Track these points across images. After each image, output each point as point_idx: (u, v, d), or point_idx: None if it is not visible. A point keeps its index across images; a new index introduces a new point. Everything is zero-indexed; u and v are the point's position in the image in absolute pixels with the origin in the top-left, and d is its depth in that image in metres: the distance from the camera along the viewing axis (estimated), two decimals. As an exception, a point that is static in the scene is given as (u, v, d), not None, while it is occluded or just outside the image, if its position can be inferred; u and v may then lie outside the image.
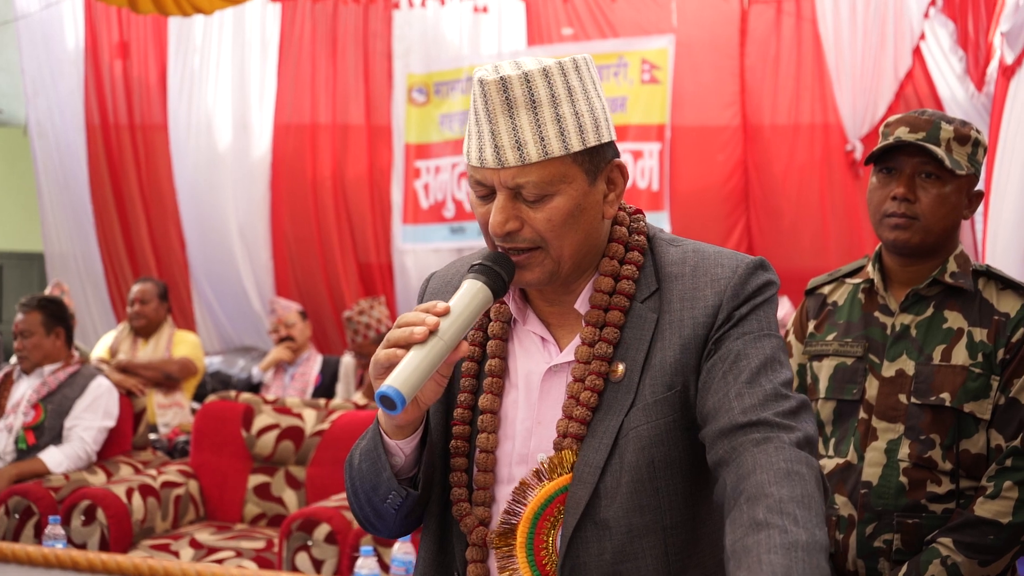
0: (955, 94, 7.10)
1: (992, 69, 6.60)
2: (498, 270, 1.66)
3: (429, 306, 1.62)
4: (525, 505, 1.69)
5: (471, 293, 1.64)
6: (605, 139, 1.68)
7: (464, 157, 1.71)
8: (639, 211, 1.83)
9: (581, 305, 1.73)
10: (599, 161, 1.69)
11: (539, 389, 1.74)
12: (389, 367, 1.57)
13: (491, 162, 1.64)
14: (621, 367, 1.69)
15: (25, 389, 5.42)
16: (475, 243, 1.91)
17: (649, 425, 1.65)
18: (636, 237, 1.77)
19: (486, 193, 1.68)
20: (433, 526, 1.79)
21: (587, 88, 1.67)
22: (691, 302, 1.69)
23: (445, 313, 1.61)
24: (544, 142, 1.62)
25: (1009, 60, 5.90)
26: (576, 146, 1.64)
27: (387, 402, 1.53)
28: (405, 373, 1.55)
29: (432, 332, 1.59)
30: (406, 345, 1.58)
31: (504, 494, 1.73)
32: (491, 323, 1.80)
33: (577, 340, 1.72)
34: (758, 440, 1.55)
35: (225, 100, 9.14)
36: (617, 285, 1.73)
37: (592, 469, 1.65)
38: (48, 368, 5.43)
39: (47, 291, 7.18)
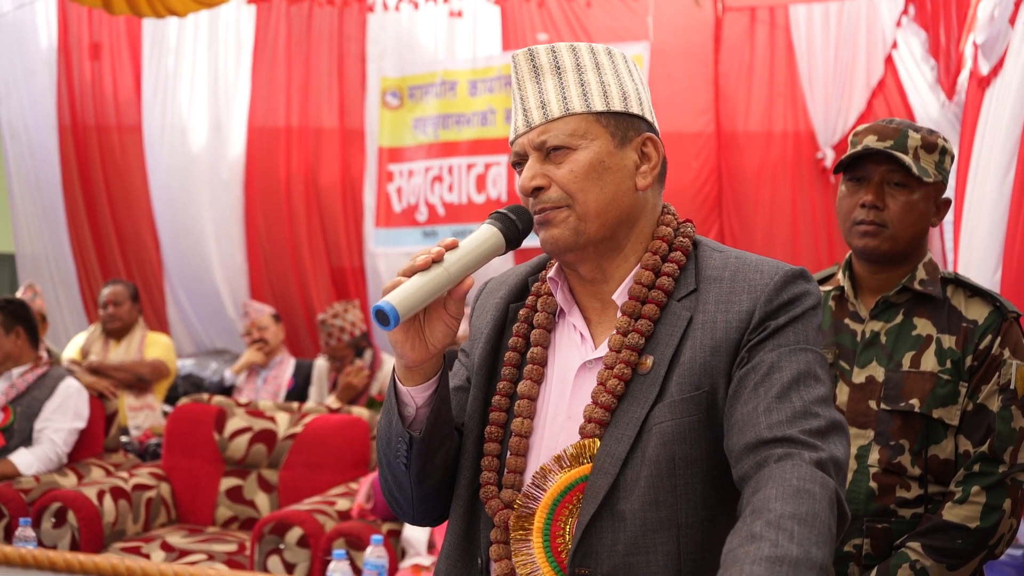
0: (926, 103, 7.15)
1: (963, 78, 6.65)
2: (513, 218, 1.71)
3: (440, 241, 1.67)
4: (545, 491, 1.71)
5: (483, 236, 1.69)
6: (634, 110, 1.77)
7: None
8: (689, 220, 1.87)
9: (619, 296, 1.76)
10: (626, 128, 1.76)
11: (572, 384, 1.76)
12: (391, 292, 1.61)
13: (521, 127, 1.75)
14: (650, 360, 1.70)
15: (-6, 391, 5.39)
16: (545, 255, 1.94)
17: (674, 422, 1.66)
18: (681, 239, 1.81)
19: (521, 163, 1.77)
20: (460, 510, 1.81)
21: (618, 68, 1.77)
22: (726, 305, 1.71)
23: (453, 247, 1.65)
24: (567, 100, 1.73)
25: (984, 71, 5.94)
26: (598, 106, 1.74)
27: (381, 317, 1.57)
28: (403, 293, 1.59)
29: (437, 262, 1.62)
30: (411, 274, 1.62)
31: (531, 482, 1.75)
32: (537, 313, 1.83)
33: (612, 333, 1.74)
34: (779, 456, 1.54)
35: (200, 102, 9.11)
36: (657, 280, 1.75)
37: (614, 460, 1.67)
38: (17, 370, 5.40)
39: (19, 293, 7.14)
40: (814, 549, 1.40)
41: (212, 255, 9.16)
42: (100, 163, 9.33)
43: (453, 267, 1.63)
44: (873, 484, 2.55)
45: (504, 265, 6.03)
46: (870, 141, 2.61)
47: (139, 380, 6.91)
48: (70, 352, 7.27)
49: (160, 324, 9.21)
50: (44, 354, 5.59)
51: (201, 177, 9.10)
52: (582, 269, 1.79)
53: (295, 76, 8.98)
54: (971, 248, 5.70)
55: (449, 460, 1.81)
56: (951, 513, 2.48)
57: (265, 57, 9.00)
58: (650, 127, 1.81)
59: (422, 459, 1.75)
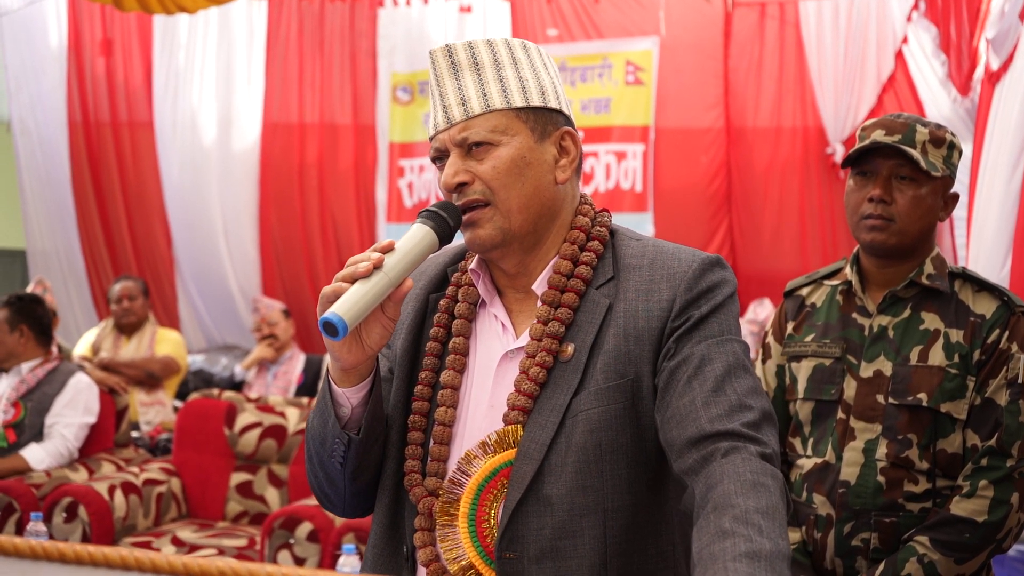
0: (937, 98, 7.13)
1: (977, 75, 6.63)
2: (444, 215, 1.72)
3: (376, 245, 1.67)
4: (470, 477, 1.73)
5: (418, 235, 1.69)
6: (552, 104, 1.79)
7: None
8: (606, 210, 1.89)
9: (539, 286, 1.79)
10: (545, 123, 1.78)
11: (495, 373, 1.79)
12: (334, 299, 1.61)
13: (442, 123, 1.77)
14: (571, 348, 1.73)
15: (4, 387, 5.40)
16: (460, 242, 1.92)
17: (600, 409, 1.70)
18: (599, 228, 1.83)
19: (444, 160, 1.78)
20: (386, 499, 1.82)
21: (534, 63, 1.80)
22: (646, 294, 1.74)
23: (390, 250, 1.66)
24: (487, 96, 1.75)
25: (995, 66, 5.93)
26: (518, 102, 1.76)
27: (329, 328, 1.58)
28: (349, 302, 1.59)
29: (377, 268, 1.63)
30: (351, 280, 1.63)
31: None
32: (458, 304, 1.85)
33: (533, 322, 1.77)
34: (726, 450, 1.58)
35: (210, 98, 9.13)
36: (575, 270, 1.78)
37: (538, 446, 1.69)
38: (26, 365, 5.41)
39: (29, 288, 7.15)
40: (780, 541, 1.45)
41: (223, 251, 9.18)
42: (111, 159, 9.35)
43: (392, 271, 1.64)
44: (881, 478, 2.55)
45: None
46: (878, 135, 2.61)
47: (150, 376, 6.93)
48: (81, 348, 7.28)
49: (171, 320, 9.23)
50: (55, 350, 5.61)
51: (212, 172, 9.13)
52: (505, 264, 1.81)
53: (307, 72, 8.99)
54: (980, 242, 5.70)
55: (382, 456, 1.83)
56: (959, 507, 2.48)
57: (278, 53, 9.02)
58: (567, 120, 1.83)
59: (357, 458, 1.77)
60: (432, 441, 1.78)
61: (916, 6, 7.23)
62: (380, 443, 1.80)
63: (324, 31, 8.93)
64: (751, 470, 1.54)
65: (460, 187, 1.74)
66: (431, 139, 1.80)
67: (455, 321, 1.84)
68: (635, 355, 1.71)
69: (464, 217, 1.74)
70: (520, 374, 1.74)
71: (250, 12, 9.02)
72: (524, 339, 1.77)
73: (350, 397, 1.73)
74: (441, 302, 1.87)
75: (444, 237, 1.72)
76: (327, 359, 1.74)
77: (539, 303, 1.78)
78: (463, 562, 1.72)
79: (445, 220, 1.72)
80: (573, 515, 1.68)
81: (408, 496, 1.78)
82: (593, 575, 1.68)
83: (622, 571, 1.69)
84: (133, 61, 9.27)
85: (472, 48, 1.77)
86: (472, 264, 1.84)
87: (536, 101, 1.76)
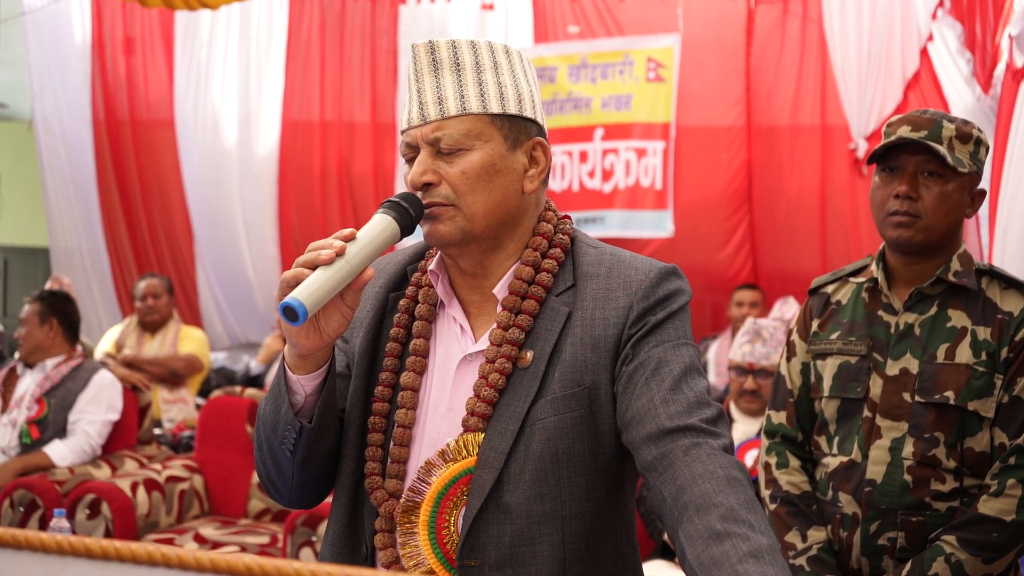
0: (962, 96, 7.09)
1: (999, 71, 6.59)
2: (406, 206, 1.72)
3: (338, 233, 1.67)
4: (429, 484, 1.73)
5: (379, 225, 1.69)
6: (528, 114, 1.78)
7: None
8: (568, 217, 1.90)
9: (500, 291, 1.79)
10: (519, 132, 1.78)
11: (453, 376, 1.79)
12: (295, 284, 1.61)
13: (416, 119, 1.76)
14: (530, 355, 1.74)
15: (28, 384, 5.43)
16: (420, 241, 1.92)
17: (556, 418, 1.71)
18: (560, 236, 1.84)
19: (413, 156, 1.78)
20: (344, 499, 1.83)
21: (515, 69, 1.79)
22: (603, 302, 1.75)
23: (351, 239, 1.66)
24: (464, 99, 1.74)
25: (1019, 63, 5.89)
26: (495, 108, 1.75)
27: (289, 313, 1.58)
28: (310, 288, 1.59)
29: (340, 255, 1.63)
30: (313, 266, 1.63)
31: (415, 473, 1.76)
32: (418, 305, 1.85)
33: (492, 327, 1.77)
34: (687, 447, 1.59)
35: (231, 96, 9.15)
36: (536, 276, 1.79)
37: (498, 454, 1.70)
38: (50, 362, 5.44)
39: (47, 286, 7.19)
40: (770, 533, 1.48)
41: (245, 248, 9.21)
42: (134, 157, 9.38)
43: (354, 259, 1.64)
44: (908, 477, 2.54)
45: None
46: (904, 131, 2.59)
47: (173, 374, 6.96)
48: (104, 345, 7.32)
49: (193, 317, 9.26)
50: (79, 347, 5.63)
51: (234, 170, 9.15)
52: (463, 263, 1.81)
53: (328, 69, 9.00)
54: (1006, 239, 5.66)
55: (332, 446, 1.83)
56: (986, 506, 2.47)
57: (299, 51, 9.03)
58: (540, 130, 1.82)
59: (308, 447, 1.76)
60: (392, 443, 1.78)
61: (941, 3, 7.18)
62: (331, 434, 1.81)
63: (345, 28, 8.94)
64: (719, 464, 1.56)
65: (426, 187, 1.74)
66: (402, 133, 1.80)
67: (415, 323, 1.84)
68: (591, 363, 1.72)
69: (426, 211, 1.74)
70: (480, 379, 1.75)
71: (271, 10, 9.04)
72: (483, 343, 1.78)
73: (304, 385, 1.73)
74: (401, 302, 1.87)
75: (406, 228, 1.72)
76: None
77: (499, 308, 1.78)
78: (423, 568, 1.73)
79: (407, 211, 1.72)
80: (531, 523, 1.69)
81: (368, 497, 1.79)
82: None
83: None
84: (155, 59, 9.30)
85: (455, 48, 1.77)
86: (432, 265, 1.85)
87: (512, 109, 1.76)
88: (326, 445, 1.81)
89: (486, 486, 1.69)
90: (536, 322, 1.76)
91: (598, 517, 1.74)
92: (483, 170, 1.73)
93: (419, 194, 1.75)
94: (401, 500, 1.75)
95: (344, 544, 1.83)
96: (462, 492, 1.72)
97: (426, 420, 1.79)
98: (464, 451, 1.72)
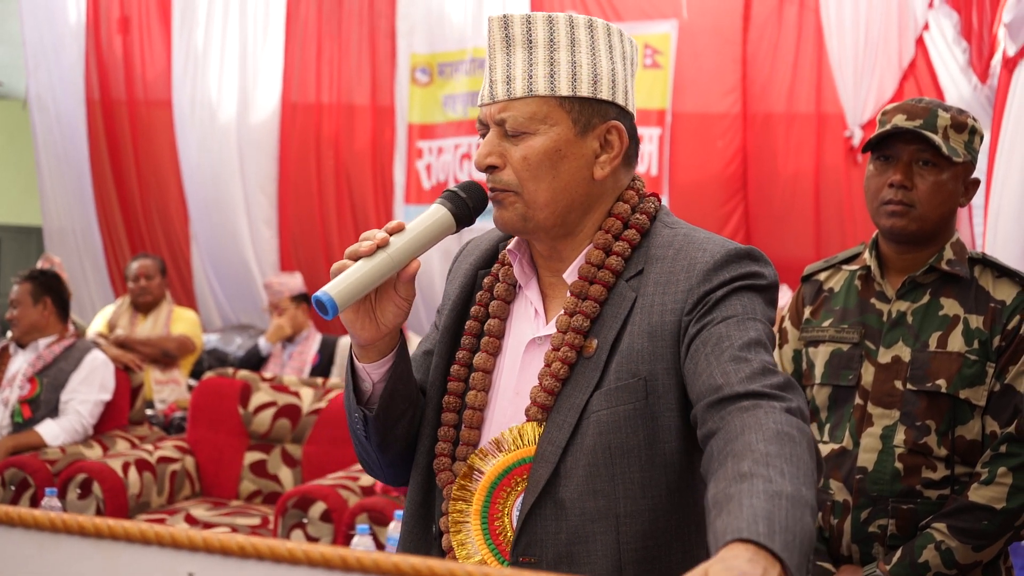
0: (958, 85, 7.08)
1: (996, 61, 6.59)
2: (464, 196, 1.69)
3: (388, 224, 1.65)
4: (483, 473, 1.70)
5: (431, 217, 1.67)
6: (603, 96, 1.70)
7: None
8: (655, 195, 1.81)
9: (570, 275, 1.74)
10: (591, 115, 1.70)
11: (521, 358, 1.75)
12: (337, 275, 1.60)
13: (486, 97, 1.71)
14: (594, 343, 1.68)
15: (21, 363, 5.43)
16: (477, 225, 1.89)
17: (610, 411, 1.64)
18: (639, 216, 1.75)
19: (485, 132, 1.72)
20: (419, 478, 1.80)
21: (596, 46, 1.70)
22: (664, 287, 1.67)
23: (398, 230, 1.64)
24: (532, 80, 1.67)
25: (1011, 52, 5.89)
26: (564, 91, 1.67)
27: (320, 306, 1.57)
28: (344, 283, 1.58)
29: (382, 247, 1.61)
30: (355, 258, 1.62)
31: None
32: (497, 284, 1.81)
33: (560, 312, 1.72)
34: (748, 407, 1.46)
35: (229, 77, 9.12)
36: (606, 260, 1.71)
37: (555, 448, 1.65)
38: (43, 341, 5.44)
39: (37, 265, 7.18)
40: (804, 489, 1.32)
41: (241, 230, 9.18)
42: (129, 137, 9.36)
43: (396, 253, 1.62)
44: (899, 465, 2.54)
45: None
46: (899, 120, 2.59)
47: (165, 355, 6.95)
48: (97, 325, 7.31)
49: (187, 298, 9.24)
50: (71, 327, 5.63)
51: (231, 152, 9.12)
52: (538, 246, 1.77)
53: (326, 52, 8.97)
54: (998, 228, 5.67)
55: (412, 430, 1.81)
56: (977, 494, 2.48)
57: (297, 32, 9.00)
58: (620, 112, 1.73)
59: (380, 433, 1.75)
60: (463, 424, 1.75)
61: (938, -8, 7.18)
62: (406, 421, 1.78)
63: (343, 11, 8.91)
64: (775, 420, 1.42)
65: (490, 169, 1.70)
66: (480, 107, 1.74)
67: (493, 302, 1.80)
68: (648, 352, 1.64)
69: (491, 195, 1.70)
70: (544, 367, 1.70)
71: (269, -9, 9.01)
72: (552, 327, 1.73)
73: (371, 372, 1.72)
74: (486, 280, 1.83)
75: (462, 219, 1.69)
76: (343, 340, 1.74)
77: (568, 293, 1.73)
78: (475, 559, 1.69)
79: (464, 202, 1.68)
80: (585, 520, 1.63)
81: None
82: None
83: None
84: (152, 39, 9.27)
85: (529, 23, 1.68)
86: (511, 244, 1.80)
87: (585, 91, 1.68)
88: (403, 430, 1.78)
89: (541, 480, 1.64)
90: (604, 308, 1.69)
91: (658, 516, 1.64)
92: (546, 156, 1.67)
93: (485, 176, 1.71)
94: (453, 488, 1.72)
95: (416, 523, 1.80)
96: (515, 482, 1.68)
97: (496, 402, 1.75)
98: (520, 440, 1.68)
